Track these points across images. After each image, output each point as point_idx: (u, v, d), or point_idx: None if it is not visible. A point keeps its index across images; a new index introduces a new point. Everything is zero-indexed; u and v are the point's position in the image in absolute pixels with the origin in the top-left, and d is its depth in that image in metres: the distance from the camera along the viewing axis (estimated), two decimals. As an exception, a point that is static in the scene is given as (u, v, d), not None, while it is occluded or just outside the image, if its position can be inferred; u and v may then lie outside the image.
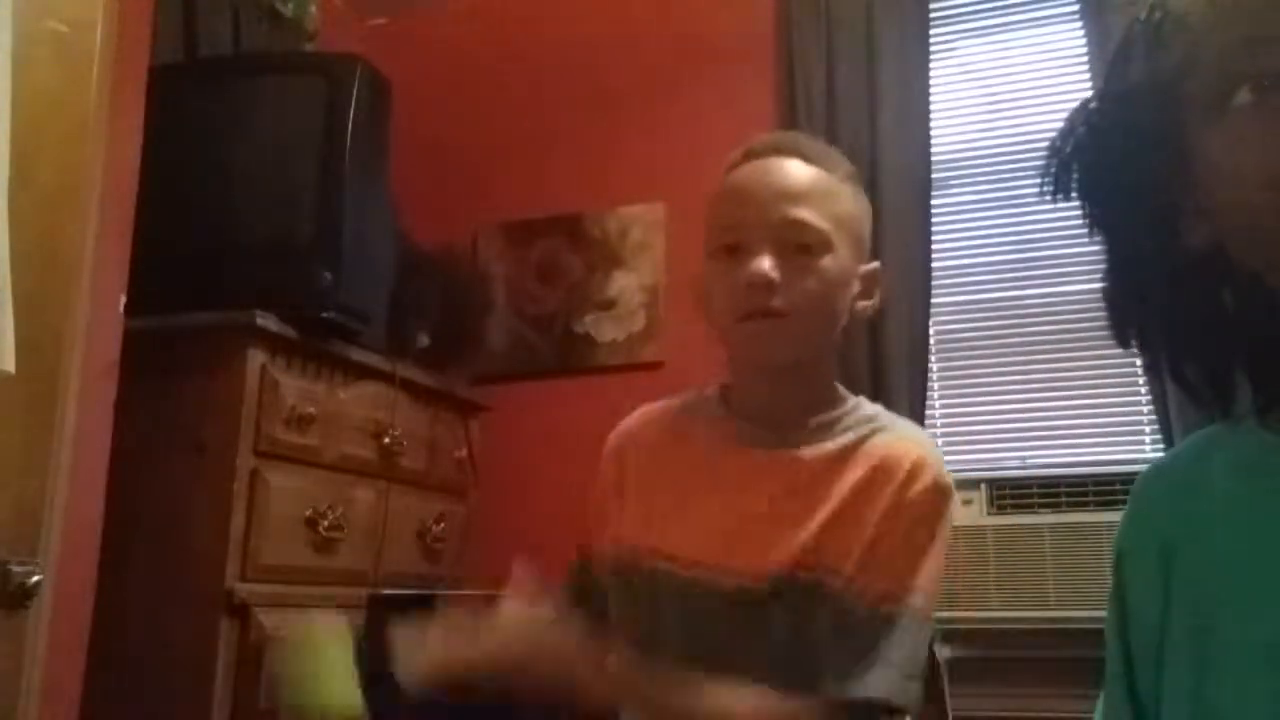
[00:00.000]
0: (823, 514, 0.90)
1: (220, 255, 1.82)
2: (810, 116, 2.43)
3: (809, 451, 0.93)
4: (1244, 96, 0.58)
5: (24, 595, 1.21)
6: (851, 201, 0.97)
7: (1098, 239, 0.69)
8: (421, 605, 1.82)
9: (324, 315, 1.81)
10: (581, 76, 2.67)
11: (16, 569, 1.20)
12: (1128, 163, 0.65)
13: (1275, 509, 0.60)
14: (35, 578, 1.22)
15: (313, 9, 2.50)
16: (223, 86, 1.97)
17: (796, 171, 0.95)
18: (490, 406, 2.40)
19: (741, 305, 0.91)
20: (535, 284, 2.60)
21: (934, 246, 2.34)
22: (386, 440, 1.99)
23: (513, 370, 2.55)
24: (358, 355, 1.94)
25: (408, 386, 2.08)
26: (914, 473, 0.91)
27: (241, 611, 1.65)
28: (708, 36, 2.58)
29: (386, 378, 2.02)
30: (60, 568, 1.29)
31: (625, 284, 2.52)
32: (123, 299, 1.46)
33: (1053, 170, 0.68)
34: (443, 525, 2.16)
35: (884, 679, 0.88)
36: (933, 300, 2.32)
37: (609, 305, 2.52)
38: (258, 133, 1.90)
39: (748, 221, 0.93)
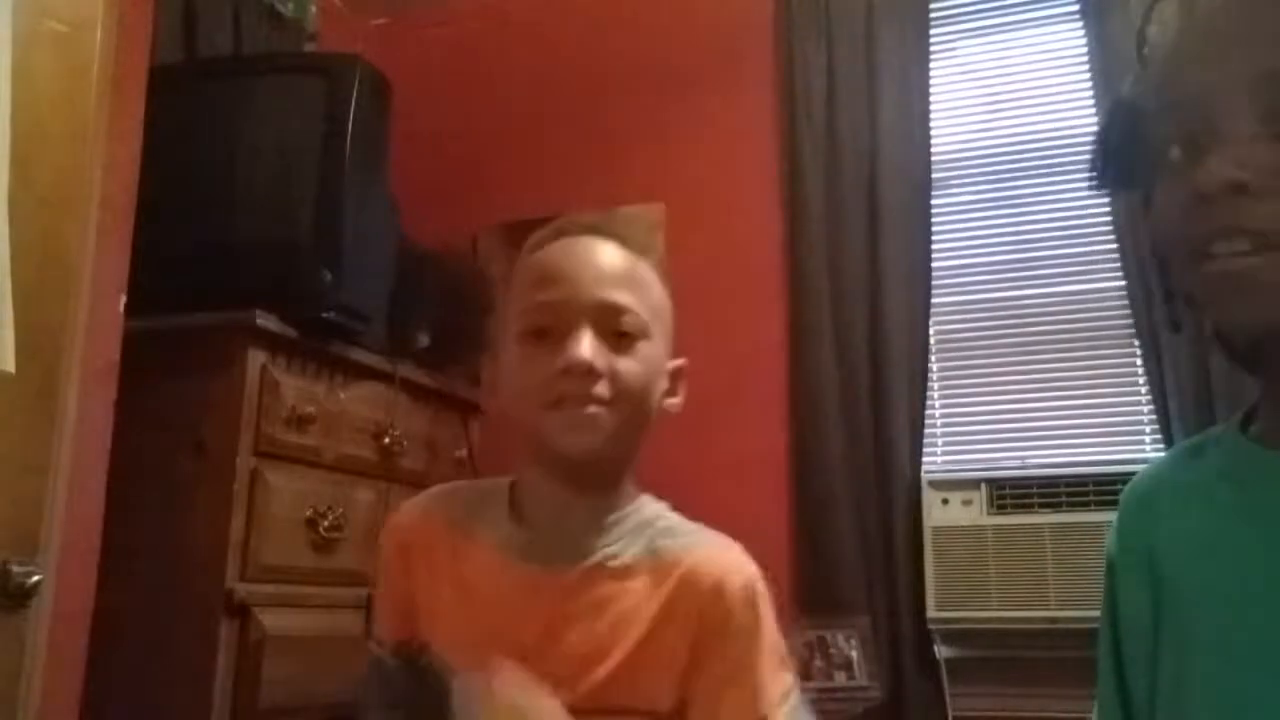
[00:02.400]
0: (624, 646, 0.82)
1: (220, 255, 1.82)
2: (810, 116, 2.43)
3: (596, 569, 0.85)
4: (1175, 154, 0.60)
5: (24, 595, 1.21)
6: (664, 293, 0.92)
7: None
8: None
9: (324, 315, 1.81)
10: (581, 76, 2.67)
11: (16, 569, 1.20)
12: (1137, 168, 0.66)
13: (1253, 516, 0.61)
14: (35, 578, 1.21)
15: (313, 9, 2.50)
16: (223, 86, 1.97)
17: (614, 255, 0.88)
18: (490, 406, 2.40)
19: (555, 391, 0.82)
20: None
21: (934, 246, 2.34)
22: (386, 440, 1.99)
23: (513, 370, 2.55)
24: (358, 355, 1.94)
25: (408, 386, 2.08)
26: (717, 591, 0.83)
27: (241, 611, 1.65)
28: (708, 36, 2.58)
29: (386, 378, 2.02)
30: (60, 568, 1.29)
31: (625, 284, 2.51)
32: (123, 299, 1.46)
33: (1098, 160, 0.69)
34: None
35: None
36: (933, 300, 2.33)
37: (609, 305, 2.52)
38: (258, 133, 1.90)
39: (563, 302, 0.84)
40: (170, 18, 2.06)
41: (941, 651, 2.12)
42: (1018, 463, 2.25)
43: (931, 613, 2.11)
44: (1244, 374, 0.65)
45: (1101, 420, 2.25)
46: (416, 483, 2.11)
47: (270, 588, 1.70)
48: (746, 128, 2.51)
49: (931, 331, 2.33)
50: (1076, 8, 2.35)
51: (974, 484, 2.18)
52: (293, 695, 1.68)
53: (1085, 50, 2.32)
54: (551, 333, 0.84)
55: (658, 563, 0.86)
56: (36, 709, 1.25)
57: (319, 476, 1.84)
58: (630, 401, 0.84)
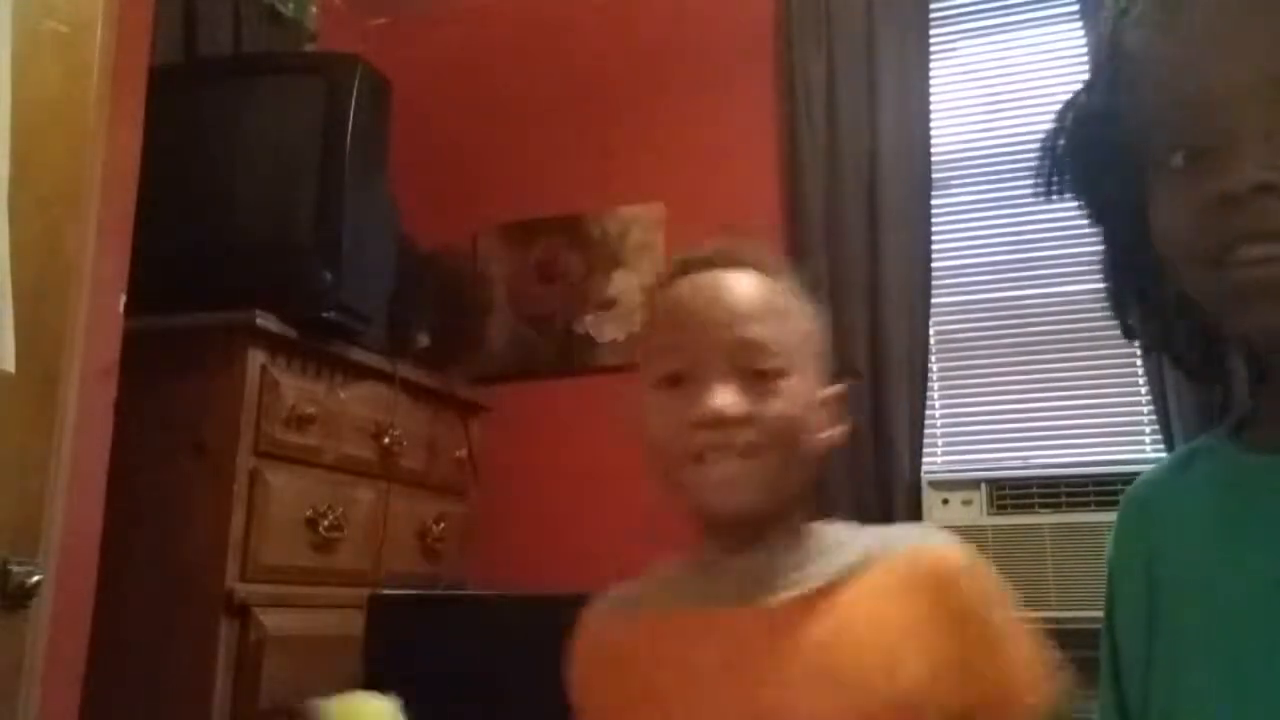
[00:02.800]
0: (870, 662, 0.72)
1: (220, 255, 1.82)
2: (810, 116, 2.43)
3: (802, 598, 0.76)
4: (1178, 160, 0.58)
5: (24, 595, 1.21)
6: (808, 316, 0.84)
7: (1091, 224, 0.68)
8: (422, 606, 1.83)
9: (324, 315, 1.81)
10: (581, 76, 2.67)
11: (16, 569, 1.20)
12: (1100, 173, 0.65)
13: (1247, 525, 0.60)
14: (35, 578, 1.21)
15: (313, 9, 2.50)
16: (223, 87, 1.97)
17: (746, 287, 0.81)
18: (490, 406, 2.40)
19: (695, 445, 0.76)
20: (535, 284, 2.60)
21: (934, 246, 2.34)
22: (386, 440, 1.99)
23: (513, 370, 2.55)
24: (358, 355, 1.94)
25: (408, 386, 2.08)
26: (956, 572, 0.76)
27: (241, 611, 1.65)
28: (708, 36, 2.58)
29: (386, 378, 2.02)
30: (60, 568, 1.29)
31: (625, 284, 2.52)
32: (123, 299, 1.46)
33: (1046, 168, 0.68)
34: (443, 525, 2.16)
35: None
36: (933, 300, 2.33)
37: (609, 305, 2.52)
38: (258, 133, 1.90)
39: (695, 346, 0.78)
40: (170, 18, 2.06)
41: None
42: (1018, 463, 2.25)
43: (932, 613, 2.11)
44: (1252, 382, 0.65)
45: (1102, 420, 2.25)
46: (416, 482, 2.12)
47: (270, 588, 1.70)
48: (746, 128, 2.51)
49: (931, 331, 2.33)
50: (1076, 8, 2.35)
51: (974, 484, 2.18)
52: (293, 695, 1.68)
53: (1085, 50, 2.32)
54: (686, 379, 0.78)
55: (869, 563, 0.77)
56: (36, 708, 1.25)
57: (319, 476, 1.84)
58: (781, 446, 0.76)
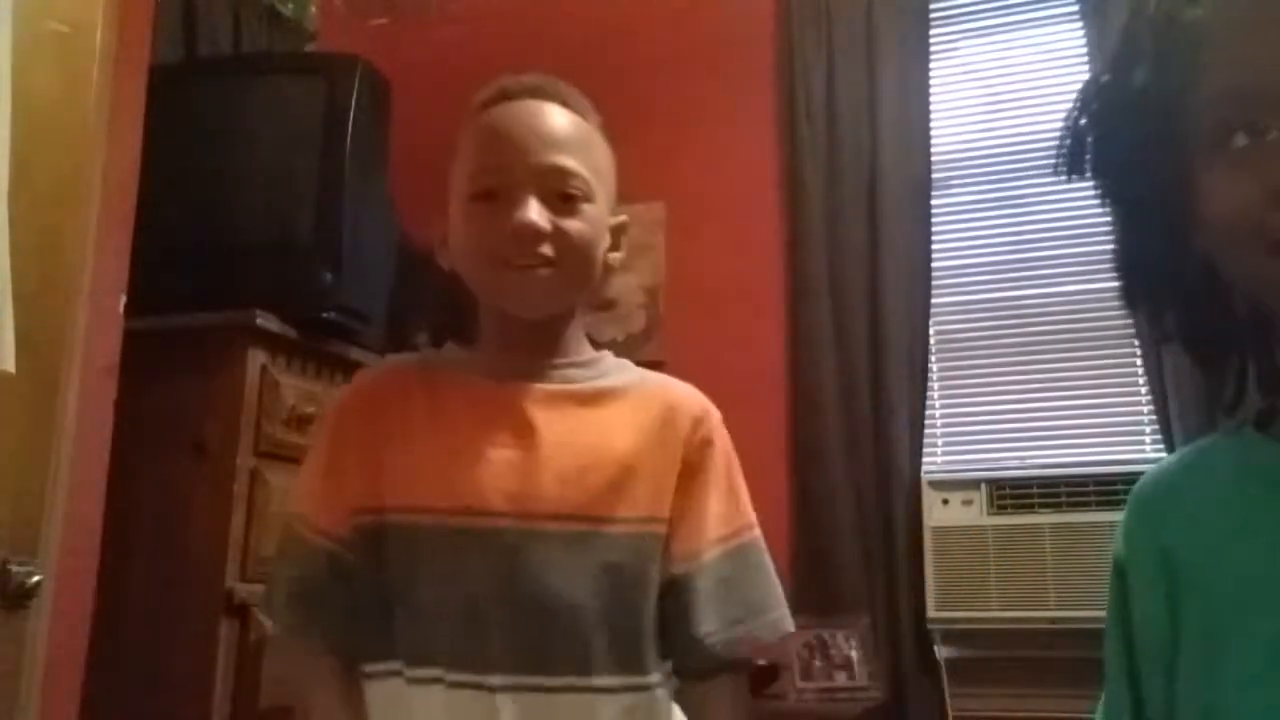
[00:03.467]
0: (614, 456, 0.86)
1: (220, 255, 1.82)
2: (810, 116, 2.43)
3: (578, 386, 0.90)
4: (1240, 140, 0.58)
5: (24, 595, 1.21)
6: (606, 152, 0.95)
7: (1111, 210, 0.67)
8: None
9: (324, 315, 1.81)
10: (581, 76, 2.65)
11: (16, 569, 1.20)
12: (1137, 151, 0.64)
13: (1277, 511, 0.60)
14: (35, 578, 1.21)
15: (313, 9, 2.50)
16: (223, 86, 1.97)
17: (558, 117, 0.91)
18: (490, 406, 2.40)
19: (504, 253, 0.85)
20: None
21: (934, 246, 2.34)
22: (386, 440, 1.99)
23: (513, 370, 2.55)
24: (358, 355, 1.94)
25: (408, 386, 2.08)
26: (701, 421, 0.91)
27: (241, 611, 1.64)
28: (708, 36, 2.58)
29: (386, 378, 2.02)
30: (60, 568, 1.29)
31: (625, 284, 2.52)
32: (123, 299, 1.46)
33: (1067, 146, 0.66)
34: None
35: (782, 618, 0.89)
36: (933, 300, 2.33)
37: (609, 305, 2.52)
38: (258, 133, 1.90)
39: (510, 165, 0.87)
40: (170, 18, 2.06)
41: (941, 651, 2.12)
42: (1018, 463, 2.25)
43: (931, 613, 2.11)
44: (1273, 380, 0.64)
45: (1102, 420, 2.25)
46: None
47: (270, 588, 1.70)
48: (747, 128, 2.51)
49: (932, 331, 2.33)
50: (1076, 8, 2.36)
51: (974, 484, 2.18)
52: (293, 695, 1.68)
53: (1085, 50, 2.32)
54: (499, 195, 0.86)
55: (643, 391, 0.91)
56: (36, 709, 1.25)
57: (319, 476, 1.84)
58: (576, 260, 0.87)
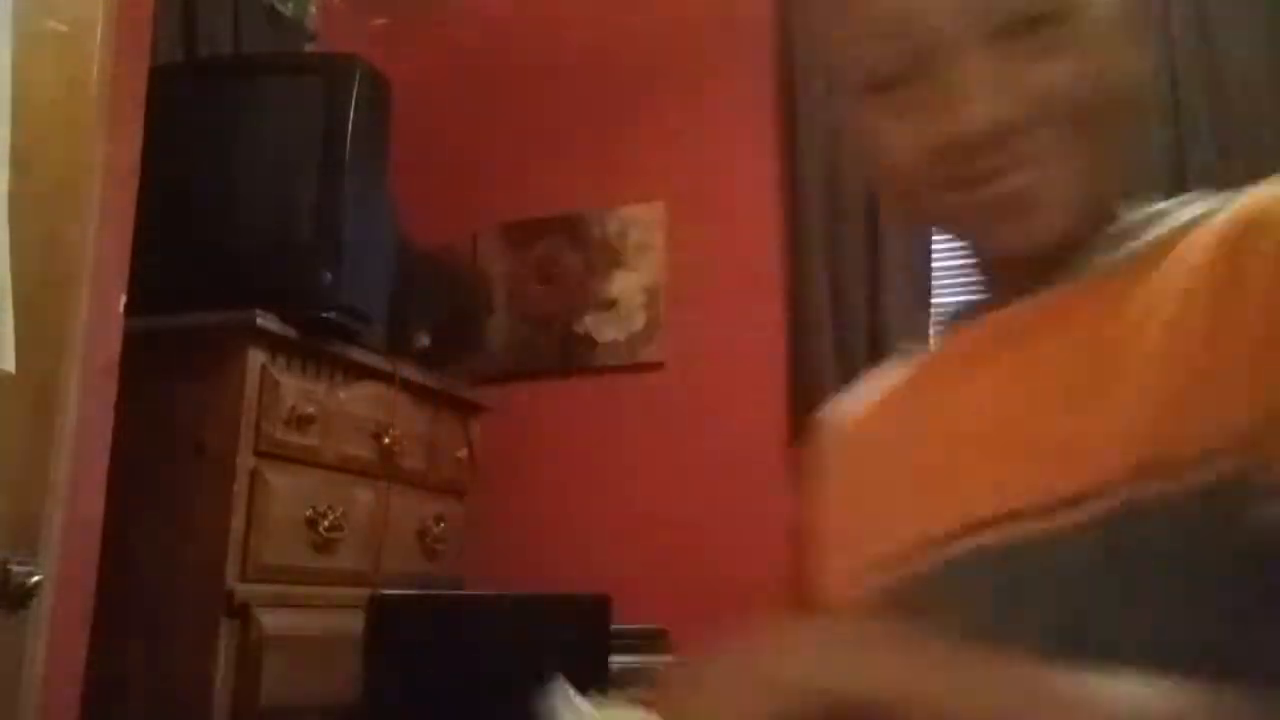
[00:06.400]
0: (1178, 353, 0.48)
1: (220, 255, 1.82)
2: (811, 117, 2.43)
3: (1103, 275, 0.54)
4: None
5: (24, 595, 1.21)
6: None
7: None
8: (422, 606, 1.83)
9: (324, 315, 1.81)
10: (581, 76, 2.67)
11: (17, 569, 1.20)
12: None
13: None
14: (35, 578, 1.21)
15: (313, 9, 2.50)
16: (223, 86, 1.97)
17: None
18: (490, 406, 2.40)
19: (955, 176, 0.53)
20: (535, 284, 2.60)
21: (934, 247, 2.34)
22: (386, 440, 1.99)
23: (513, 370, 2.55)
24: (358, 355, 1.94)
25: (408, 387, 2.08)
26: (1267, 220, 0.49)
27: (242, 611, 1.65)
28: (707, 36, 2.58)
29: (387, 378, 2.02)
30: (60, 568, 1.29)
31: (625, 284, 2.52)
32: (123, 299, 1.46)
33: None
34: (443, 525, 2.16)
35: None
36: (932, 301, 2.33)
37: (609, 305, 2.52)
38: (258, 133, 1.90)
39: (910, 14, 0.52)
40: (170, 18, 2.06)
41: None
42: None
43: (932, 613, 2.11)
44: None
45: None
46: (416, 483, 2.12)
47: (270, 588, 1.70)
48: (746, 127, 2.51)
49: (931, 333, 2.33)
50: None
51: (974, 484, 2.18)
52: (293, 695, 1.68)
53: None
54: (912, 75, 0.53)
55: (1158, 245, 0.53)
56: (37, 709, 1.25)
57: (319, 476, 1.84)
58: (1088, 124, 0.51)
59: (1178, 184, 2.05)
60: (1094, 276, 0.54)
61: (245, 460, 1.68)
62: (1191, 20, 2.11)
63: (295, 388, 1.79)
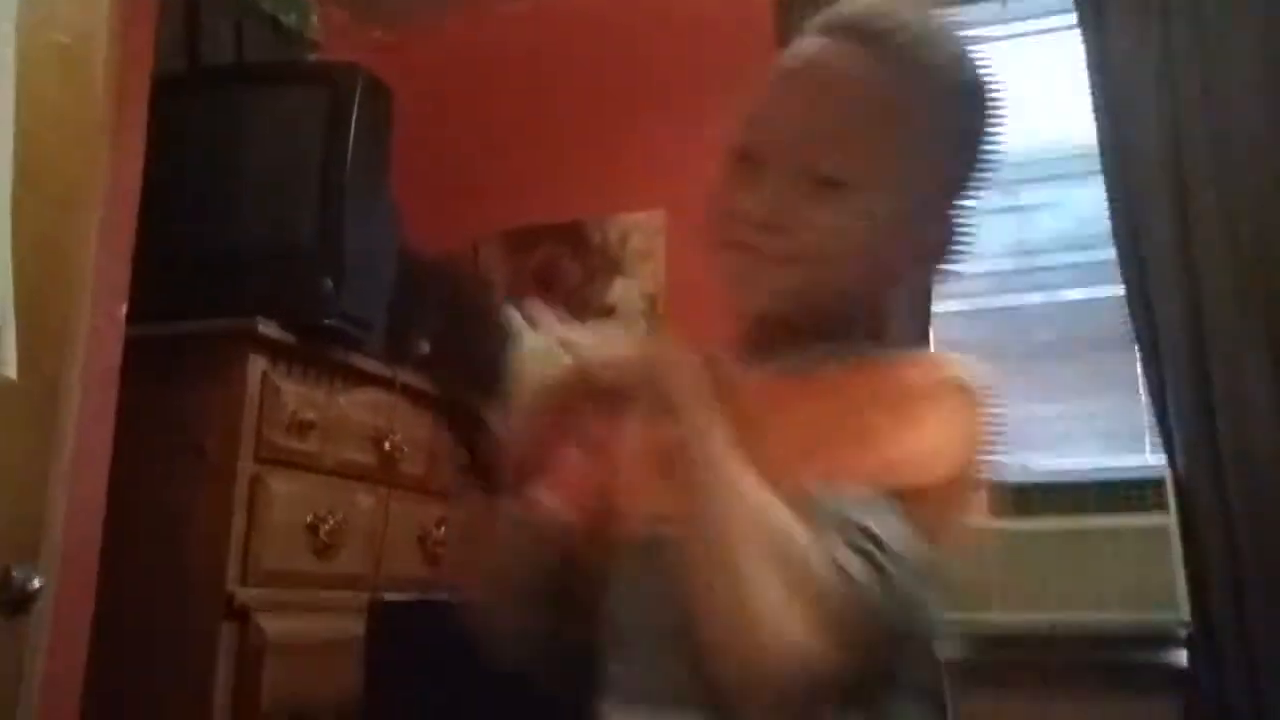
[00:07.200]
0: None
1: (222, 263, 1.84)
2: (810, 124, 2.44)
3: (790, 372, 0.74)
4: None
5: (25, 600, 1.21)
6: (945, 120, 0.71)
7: None
8: (423, 611, 1.83)
9: (325, 322, 1.82)
10: (581, 84, 2.68)
11: (17, 574, 1.21)
12: None
13: None
14: (36, 583, 1.22)
15: (315, 19, 2.52)
16: (225, 96, 1.98)
17: (857, 71, 0.69)
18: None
19: (727, 233, 0.72)
20: (535, 291, 2.61)
21: (933, 253, 2.34)
22: (387, 446, 1.99)
23: (514, 377, 2.56)
24: (358, 362, 1.95)
25: (408, 392, 2.09)
26: (925, 370, 0.72)
27: (242, 616, 1.65)
28: (708, 43, 2.59)
29: (387, 384, 2.03)
30: (61, 573, 1.30)
31: (625, 291, 2.52)
32: (124, 306, 1.47)
33: None
34: (443, 530, 2.17)
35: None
36: (930, 305, 2.33)
37: (609, 312, 2.53)
38: (260, 142, 1.91)
39: (766, 127, 0.72)
40: (173, 27, 2.08)
41: (942, 654, 2.12)
42: (1019, 468, 2.25)
43: (932, 617, 2.11)
44: None
45: (1102, 426, 2.25)
46: (416, 488, 2.12)
47: (271, 592, 1.71)
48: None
49: (932, 337, 2.33)
50: (1075, 19, 2.36)
51: (974, 489, 2.18)
52: (293, 700, 1.69)
53: (1085, 60, 2.33)
54: (752, 158, 0.72)
55: (857, 364, 0.72)
56: (37, 714, 1.25)
57: (319, 482, 1.85)
58: (817, 261, 0.70)
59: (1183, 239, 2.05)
60: (838, 368, 0.73)
61: (246, 466, 1.69)
62: (1196, 77, 2.11)
63: (296, 394, 1.80)
